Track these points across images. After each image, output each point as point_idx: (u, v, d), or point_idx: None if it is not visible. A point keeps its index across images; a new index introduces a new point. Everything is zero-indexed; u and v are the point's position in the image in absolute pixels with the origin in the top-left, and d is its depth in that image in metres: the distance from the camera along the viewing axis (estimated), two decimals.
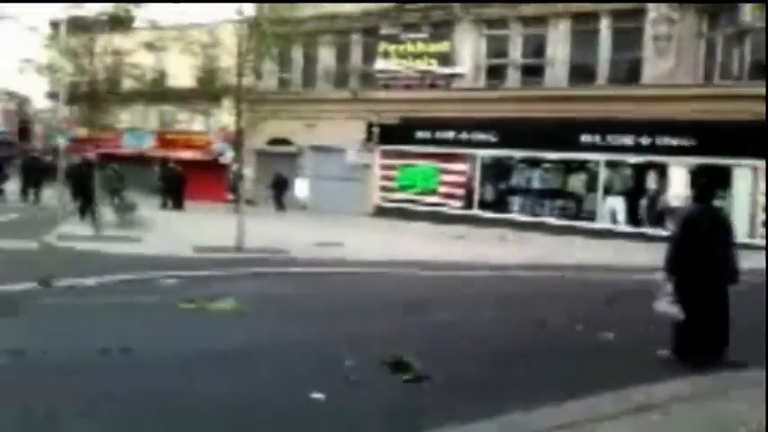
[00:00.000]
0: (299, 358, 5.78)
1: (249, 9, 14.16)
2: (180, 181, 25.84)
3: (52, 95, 34.91)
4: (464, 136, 23.86)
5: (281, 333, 6.87)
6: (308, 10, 16.94)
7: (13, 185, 26.08)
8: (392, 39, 25.60)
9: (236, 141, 15.65)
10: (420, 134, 24.66)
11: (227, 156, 30.41)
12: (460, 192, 24.21)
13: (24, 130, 59.05)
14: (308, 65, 27.90)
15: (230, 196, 25.37)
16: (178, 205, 24.92)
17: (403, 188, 25.49)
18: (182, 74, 27.32)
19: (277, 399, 4.72)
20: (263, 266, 11.90)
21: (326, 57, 27.56)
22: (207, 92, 25.82)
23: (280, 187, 26.49)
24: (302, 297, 9.34)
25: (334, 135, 25.89)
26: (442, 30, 24.75)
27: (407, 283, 11.37)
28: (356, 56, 27.18)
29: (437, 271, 12.50)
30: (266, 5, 15.16)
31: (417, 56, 24.83)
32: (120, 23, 15.13)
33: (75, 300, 8.50)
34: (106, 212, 15.17)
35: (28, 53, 15.41)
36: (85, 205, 17.02)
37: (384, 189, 25.96)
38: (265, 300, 8.85)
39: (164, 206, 24.79)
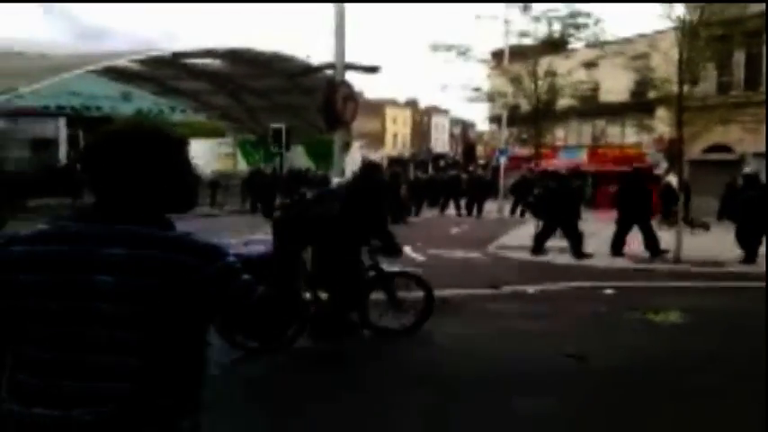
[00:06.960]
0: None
1: (679, 10, 13.37)
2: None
3: (494, 119, 38.44)
4: None
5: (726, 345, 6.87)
6: (753, 7, 15.29)
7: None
8: None
9: (674, 152, 14.93)
10: None
11: (662, 167, 29.40)
12: None
13: (468, 152, 65.65)
14: (749, 66, 25.25)
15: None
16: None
17: None
18: (614, 87, 27.49)
19: None
20: (700, 280, 11.34)
21: None
22: (640, 103, 25.40)
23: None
24: (742, 312, 8.80)
25: None
26: None
27: None
28: None
29: None
30: (701, 6, 14.14)
31: None
32: (557, 47, 15.87)
33: (522, 305, 9.26)
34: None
35: (474, 83, 17.12)
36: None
37: None
38: (704, 313, 8.56)
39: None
